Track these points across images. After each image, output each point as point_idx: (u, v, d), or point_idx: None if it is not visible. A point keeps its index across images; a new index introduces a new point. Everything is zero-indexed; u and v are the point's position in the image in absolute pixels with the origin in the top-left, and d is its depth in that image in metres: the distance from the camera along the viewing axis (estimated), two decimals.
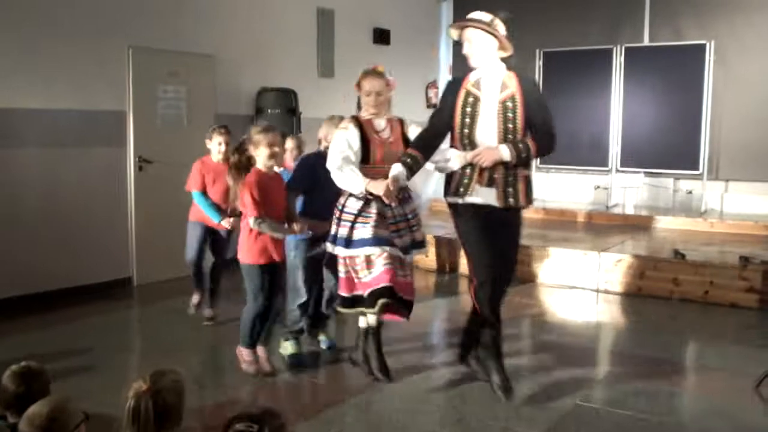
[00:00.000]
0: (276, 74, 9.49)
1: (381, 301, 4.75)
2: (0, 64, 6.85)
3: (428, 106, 12.70)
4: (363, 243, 4.80)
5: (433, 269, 8.95)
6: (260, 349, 5.36)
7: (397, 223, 4.96)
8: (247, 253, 5.11)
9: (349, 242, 4.85)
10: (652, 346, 6.09)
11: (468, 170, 4.72)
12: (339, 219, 4.94)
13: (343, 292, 4.99)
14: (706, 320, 6.97)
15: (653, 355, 5.88)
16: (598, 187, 11.29)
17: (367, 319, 5.04)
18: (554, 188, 11.69)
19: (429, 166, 5.01)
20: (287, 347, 5.58)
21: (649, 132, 10.44)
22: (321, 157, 5.27)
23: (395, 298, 4.80)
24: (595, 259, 8.05)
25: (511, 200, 4.69)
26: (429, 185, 10.51)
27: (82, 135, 7.50)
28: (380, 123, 5.06)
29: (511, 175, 4.68)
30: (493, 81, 4.70)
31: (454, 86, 4.89)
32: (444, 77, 12.99)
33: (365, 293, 4.84)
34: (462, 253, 5.91)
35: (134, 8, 7.87)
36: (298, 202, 5.48)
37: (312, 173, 5.41)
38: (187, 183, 6.47)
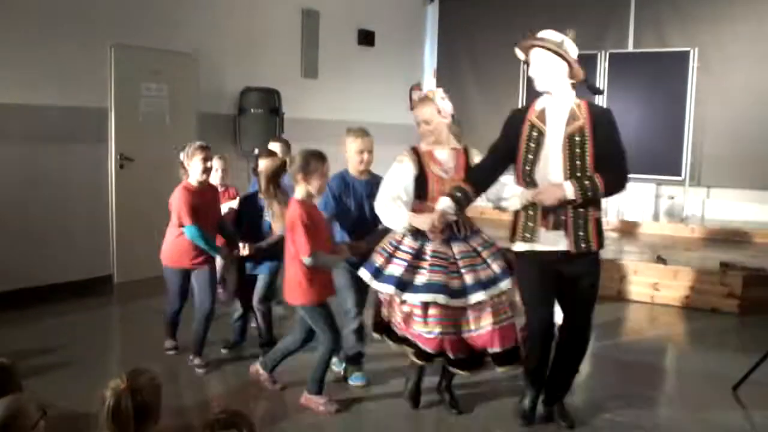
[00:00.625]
0: (259, 74, 9.46)
1: (422, 363, 4.52)
2: None
3: (412, 109, 12.66)
4: (417, 289, 4.34)
5: None
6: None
7: (463, 259, 4.42)
8: (305, 293, 4.65)
9: (402, 284, 4.35)
10: (632, 351, 6.11)
11: (531, 212, 4.23)
12: (391, 255, 4.48)
13: (380, 317, 4.67)
14: (687, 325, 6.99)
15: (633, 359, 5.89)
16: None
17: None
18: None
19: (484, 201, 4.64)
20: (359, 378, 5.12)
21: (632, 138, 10.42)
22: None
23: (452, 359, 4.45)
24: None
25: (583, 245, 4.16)
26: None
27: (64, 132, 7.44)
28: (442, 154, 4.59)
29: (581, 217, 4.16)
30: (560, 111, 4.19)
31: (518, 117, 4.33)
32: (428, 80, 13.00)
33: (415, 341, 4.45)
34: None
35: (117, 6, 7.82)
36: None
37: (335, 196, 5.03)
38: (178, 217, 5.45)
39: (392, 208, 4.48)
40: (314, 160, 4.60)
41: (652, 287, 7.62)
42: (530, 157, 4.18)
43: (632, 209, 10.91)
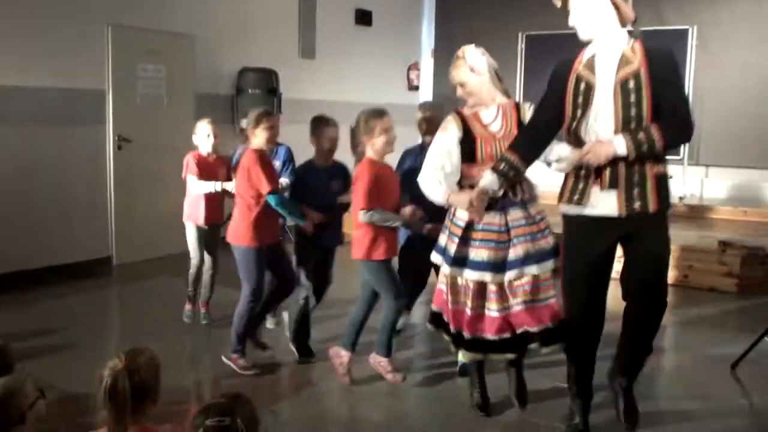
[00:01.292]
0: (257, 54, 9.42)
1: (475, 356, 4.21)
2: None
3: (410, 89, 12.67)
4: (468, 265, 4.06)
5: None
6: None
7: (516, 228, 4.04)
8: (369, 249, 4.65)
9: (453, 260, 4.09)
10: None
11: (583, 172, 3.75)
12: (448, 231, 4.20)
13: (434, 306, 4.38)
14: (685, 304, 7.00)
15: None
16: None
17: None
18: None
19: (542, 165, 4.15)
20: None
21: None
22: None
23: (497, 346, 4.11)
24: None
25: (637, 204, 3.63)
26: None
27: (61, 113, 7.41)
28: (489, 114, 4.20)
29: (636, 174, 3.64)
30: (611, 57, 3.68)
31: (562, 70, 3.83)
32: (426, 59, 12.95)
33: (465, 333, 4.14)
34: None
35: None
36: None
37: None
38: (254, 187, 4.91)
39: (432, 181, 4.17)
40: (372, 118, 4.71)
41: None
42: (578, 113, 3.72)
43: None
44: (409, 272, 5.27)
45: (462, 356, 4.38)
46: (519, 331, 4.06)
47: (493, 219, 4.04)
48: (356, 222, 4.67)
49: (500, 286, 4.04)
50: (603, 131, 3.64)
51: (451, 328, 4.19)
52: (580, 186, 3.75)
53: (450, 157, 4.15)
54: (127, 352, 2.64)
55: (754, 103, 9.97)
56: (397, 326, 4.91)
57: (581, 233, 3.82)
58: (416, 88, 12.84)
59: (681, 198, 10.14)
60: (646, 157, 3.61)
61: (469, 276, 4.06)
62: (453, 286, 4.17)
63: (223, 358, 5.09)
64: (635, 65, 3.63)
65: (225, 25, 9.10)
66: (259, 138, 4.95)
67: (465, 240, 4.07)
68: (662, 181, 3.72)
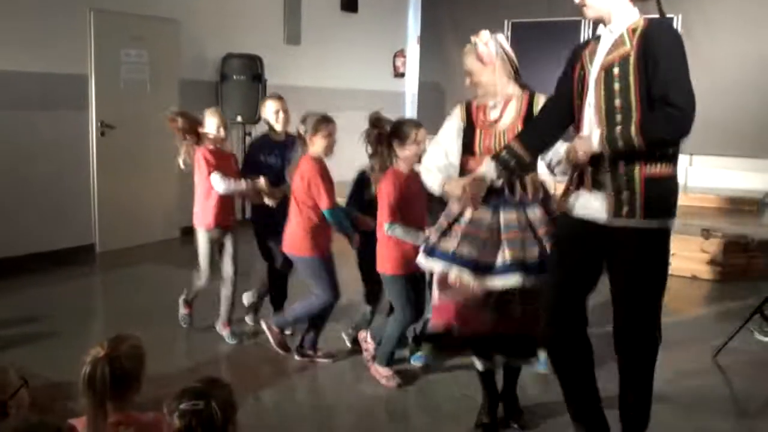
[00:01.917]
0: (242, 40, 9.37)
1: (426, 346, 4.15)
2: None
3: (395, 76, 12.65)
4: (440, 256, 3.82)
5: None
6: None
7: (509, 231, 3.73)
8: (387, 261, 4.59)
9: (430, 250, 3.89)
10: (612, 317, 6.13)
11: (576, 172, 3.38)
12: (437, 224, 3.98)
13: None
14: (668, 291, 7.00)
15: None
16: None
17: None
18: None
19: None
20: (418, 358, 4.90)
21: None
22: None
23: (458, 343, 3.94)
24: None
25: (624, 209, 3.16)
26: None
27: (43, 99, 7.35)
28: (496, 106, 3.92)
29: (624, 174, 3.16)
30: (610, 39, 3.23)
31: (574, 54, 3.43)
32: (412, 46, 12.93)
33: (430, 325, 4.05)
34: None
35: None
36: None
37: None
38: (320, 196, 4.73)
39: (430, 169, 3.98)
40: (406, 126, 4.57)
41: None
42: (578, 103, 3.34)
43: None
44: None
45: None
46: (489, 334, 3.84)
47: (484, 215, 3.75)
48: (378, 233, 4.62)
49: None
50: (588, 125, 3.27)
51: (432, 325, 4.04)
52: (572, 186, 3.38)
53: (450, 145, 3.97)
54: (111, 339, 2.63)
55: (739, 92, 10.01)
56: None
57: (566, 236, 3.47)
58: (402, 74, 12.82)
59: None
60: (634, 156, 3.13)
61: (443, 269, 3.81)
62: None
63: (296, 357, 5.04)
64: (626, 48, 3.14)
65: (209, 11, 9.04)
66: (317, 146, 4.75)
67: (448, 233, 3.83)
68: (656, 185, 3.16)
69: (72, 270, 7.25)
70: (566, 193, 3.40)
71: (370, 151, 4.67)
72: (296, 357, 5.01)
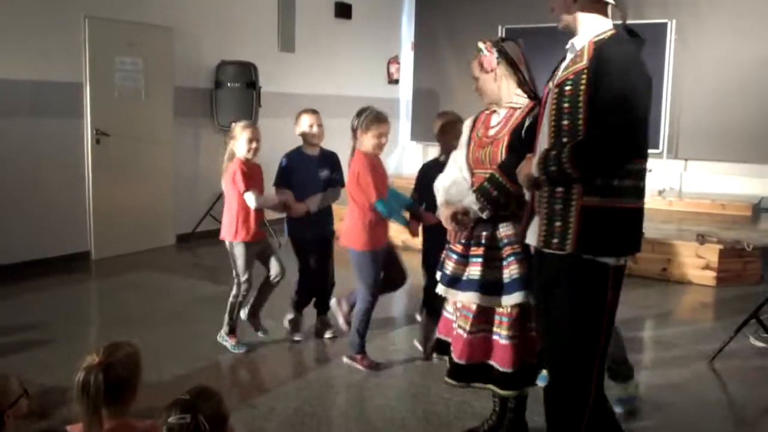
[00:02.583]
0: (236, 47, 9.37)
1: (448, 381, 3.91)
2: None
3: (390, 82, 12.66)
4: (441, 278, 3.83)
5: None
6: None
7: (508, 246, 3.61)
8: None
9: (452, 281, 3.78)
10: None
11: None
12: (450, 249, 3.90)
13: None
14: (664, 297, 7.05)
15: None
16: None
17: None
18: None
19: None
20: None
21: None
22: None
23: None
24: None
25: (555, 239, 2.94)
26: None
27: (38, 106, 7.34)
28: (497, 117, 3.75)
29: (560, 201, 2.92)
30: (573, 53, 3.00)
31: (555, 68, 3.13)
32: (406, 53, 12.95)
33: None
34: None
35: None
36: None
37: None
38: (369, 190, 4.81)
39: (437, 189, 3.86)
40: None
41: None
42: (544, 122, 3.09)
43: None
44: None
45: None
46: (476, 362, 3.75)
47: (482, 231, 3.67)
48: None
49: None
50: (540, 145, 3.05)
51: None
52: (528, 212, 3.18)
53: (460, 158, 3.82)
54: (106, 347, 2.62)
55: (733, 97, 10.04)
56: None
57: (534, 268, 3.27)
58: (396, 81, 12.83)
59: (660, 192, 10.19)
60: (572, 183, 2.88)
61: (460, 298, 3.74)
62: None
63: (345, 360, 5.04)
64: (582, 63, 2.87)
65: (204, 18, 9.04)
66: (366, 143, 4.83)
67: (464, 257, 3.74)
68: (594, 218, 2.87)
69: (67, 277, 7.23)
70: (524, 218, 3.22)
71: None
72: (345, 360, 5.05)
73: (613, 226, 2.89)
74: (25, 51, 7.17)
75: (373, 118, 4.82)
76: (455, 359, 3.75)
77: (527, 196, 3.17)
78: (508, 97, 3.67)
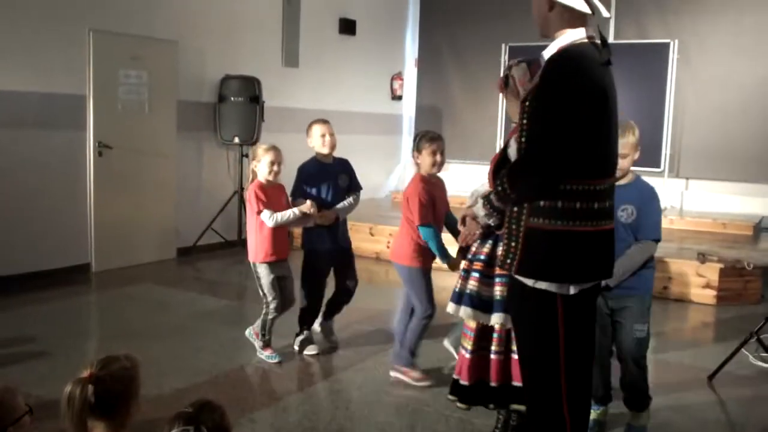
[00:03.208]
0: (240, 62, 9.41)
1: (450, 398, 4.10)
2: None
3: (393, 98, 12.70)
4: (453, 296, 3.99)
5: None
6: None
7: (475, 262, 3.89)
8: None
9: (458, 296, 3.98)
10: None
11: None
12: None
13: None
14: (664, 315, 7.04)
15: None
16: None
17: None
18: None
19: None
20: None
21: None
22: None
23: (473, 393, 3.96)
24: None
25: (508, 261, 2.93)
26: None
27: (41, 118, 7.37)
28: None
29: (514, 221, 2.91)
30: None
31: None
32: (410, 69, 12.99)
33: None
34: None
35: None
36: None
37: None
38: (414, 214, 4.82)
39: (471, 194, 3.97)
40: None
41: None
42: None
43: None
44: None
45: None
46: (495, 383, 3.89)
47: (481, 249, 3.87)
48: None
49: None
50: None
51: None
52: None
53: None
54: (99, 360, 2.58)
55: (734, 117, 10.07)
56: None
57: None
58: (399, 97, 12.87)
59: (663, 210, 10.17)
60: (513, 202, 2.90)
61: (450, 308, 3.97)
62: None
63: (392, 373, 5.03)
64: (536, 80, 2.84)
65: (208, 32, 9.08)
66: (423, 164, 4.82)
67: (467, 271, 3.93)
68: (535, 240, 2.83)
69: (67, 289, 7.23)
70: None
71: None
72: (392, 374, 5.03)
73: (554, 249, 2.81)
74: (29, 63, 7.20)
75: (424, 137, 4.85)
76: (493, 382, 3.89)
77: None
78: (514, 116, 3.67)
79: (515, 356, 3.71)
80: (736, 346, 5.26)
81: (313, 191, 5.43)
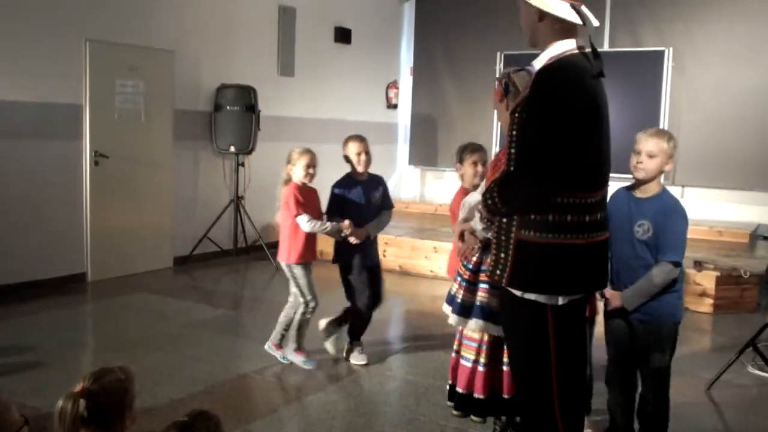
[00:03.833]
0: (236, 71, 9.42)
1: (449, 405, 4.15)
2: None
3: (388, 107, 12.71)
4: (452, 306, 4.03)
5: None
6: None
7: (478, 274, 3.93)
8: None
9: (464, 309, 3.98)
10: (604, 350, 6.12)
11: None
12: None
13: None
14: None
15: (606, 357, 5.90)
16: None
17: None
18: None
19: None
20: None
21: None
22: None
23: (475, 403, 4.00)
24: None
25: (498, 271, 2.92)
26: None
27: (37, 128, 7.36)
28: None
29: (504, 233, 2.91)
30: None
31: None
32: (405, 78, 13.00)
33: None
34: None
35: (92, 0, 7.75)
36: None
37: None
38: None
39: (463, 205, 4.00)
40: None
41: None
42: None
43: None
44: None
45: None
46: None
47: (473, 257, 3.92)
48: None
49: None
50: None
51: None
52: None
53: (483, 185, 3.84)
54: (94, 372, 2.57)
55: (730, 124, 10.08)
56: None
57: None
58: (395, 106, 12.88)
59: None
60: (503, 215, 2.90)
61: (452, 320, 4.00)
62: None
63: None
64: (527, 91, 2.82)
65: (204, 42, 9.09)
66: (465, 175, 4.70)
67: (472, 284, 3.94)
68: (526, 252, 2.83)
69: (63, 299, 7.21)
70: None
71: None
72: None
73: (545, 262, 2.81)
74: (26, 73, 7.20)
75: (466, 149, 4.76)
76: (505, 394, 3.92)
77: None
78: (506, 125, 3.60)
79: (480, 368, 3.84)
80: (734, 355, 5.26)
81: (346, 208, 5.43)
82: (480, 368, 3.92)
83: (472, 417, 4.05)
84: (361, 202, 5.47)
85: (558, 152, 2.71)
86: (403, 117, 13.05)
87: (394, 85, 12.82)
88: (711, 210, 10.47)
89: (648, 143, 3.67)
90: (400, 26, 12.98)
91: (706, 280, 7.38)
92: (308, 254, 5.39)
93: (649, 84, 10.32)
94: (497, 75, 3.64)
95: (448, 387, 4.19)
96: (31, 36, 7.21)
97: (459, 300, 3.93)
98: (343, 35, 11.37)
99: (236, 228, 9.35)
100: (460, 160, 4.68)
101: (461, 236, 3.67)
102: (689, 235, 3.93)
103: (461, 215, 3.94)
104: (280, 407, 4.77)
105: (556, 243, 2.79)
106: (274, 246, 6.93)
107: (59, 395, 2.44)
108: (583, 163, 2.79)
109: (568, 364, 2.92)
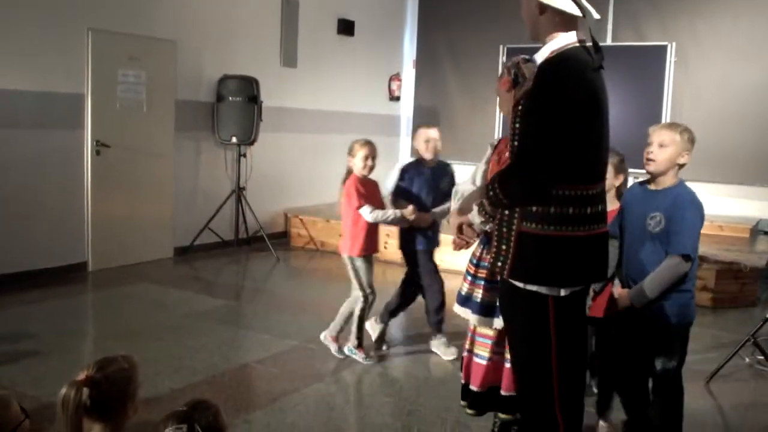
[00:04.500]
0: (238, 62, 9.41)
1: (462, 404, 4.07)
2: None
3: (391, 99, 12.70)
4: (470, 306, 3.95)
5: None
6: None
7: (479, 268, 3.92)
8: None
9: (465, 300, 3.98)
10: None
11: None
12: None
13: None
14: None
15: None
16: None
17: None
18: None
19: None
20: None
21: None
22: None
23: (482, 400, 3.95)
24: None
25: (499, 263, 2.95)
26: None
27: (39, 117, 7.36)
28: None
29: (505, 225, 2.93)
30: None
31: None
32: (408, 70, 12.99)
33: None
34: None
35: None
36: None
37: None
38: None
39: (455, 193, 4.04)
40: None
41: None
42: None
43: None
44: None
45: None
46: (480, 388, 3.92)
47: (475, 250, 3.93)
48: None
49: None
50: None
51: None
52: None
53: (477, 172, 3.97)
54: (96, 362, 2.57)
55: (731, 119, 10.07)
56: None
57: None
58: (397, 98, 12.87)
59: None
60: (505, 207, 2.91)
61: (461, 312, 3.98)
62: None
63: None
64: (529, 84, 2.86)
65: (206, 32, 9.08)
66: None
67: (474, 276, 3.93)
68: (529, 245, 2.84)
69: (64, 288, 7.22)
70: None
71: None
72: None
73: (547, 254, 2.82)
74: (27, 62, 7.19)
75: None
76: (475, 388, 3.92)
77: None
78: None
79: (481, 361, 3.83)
80: (733, 349, 5.27)
81: (413, 192, 5.50)
82: (483, 362, 3.88)
83: (500, 414, 3.95)
84: (430, 187, 5.54)
85: (560, 145, 2.73)
86: (406, 109, 13.04)
87: (396, 77, 12.81)
88: (712, 205, 10.44)
89: (660, 133, 3.65)
90: (403, 19, 12.96)
91: (707, 275, 7.39)
92: (371, 246, 5.40)
93: (651, 78, 10.30)
94: (505, 64, 3.61)
95: (461, 386, 4.12)
96: (34, 25, 7.20)
97: (478, 300, 3.84)
98: (346, 27, 11.35)
99: (237, 219, 9.35)
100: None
101: (459, 229, 3.66)
102: None
103: (454, 204, 3.93)
104: (280, 397, 4.78)
105: (558, 235, 2.80)
106: (275, 237, 6.98)
107: (60, 385, 2.45)
108: (585, 155, 2.82)
109: (568, 357, 2.93)
